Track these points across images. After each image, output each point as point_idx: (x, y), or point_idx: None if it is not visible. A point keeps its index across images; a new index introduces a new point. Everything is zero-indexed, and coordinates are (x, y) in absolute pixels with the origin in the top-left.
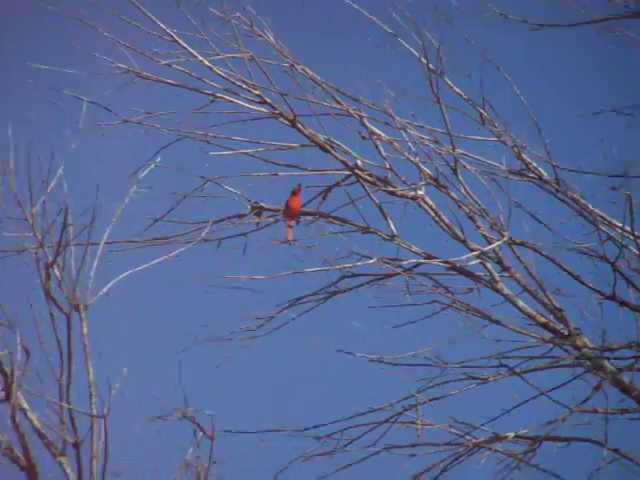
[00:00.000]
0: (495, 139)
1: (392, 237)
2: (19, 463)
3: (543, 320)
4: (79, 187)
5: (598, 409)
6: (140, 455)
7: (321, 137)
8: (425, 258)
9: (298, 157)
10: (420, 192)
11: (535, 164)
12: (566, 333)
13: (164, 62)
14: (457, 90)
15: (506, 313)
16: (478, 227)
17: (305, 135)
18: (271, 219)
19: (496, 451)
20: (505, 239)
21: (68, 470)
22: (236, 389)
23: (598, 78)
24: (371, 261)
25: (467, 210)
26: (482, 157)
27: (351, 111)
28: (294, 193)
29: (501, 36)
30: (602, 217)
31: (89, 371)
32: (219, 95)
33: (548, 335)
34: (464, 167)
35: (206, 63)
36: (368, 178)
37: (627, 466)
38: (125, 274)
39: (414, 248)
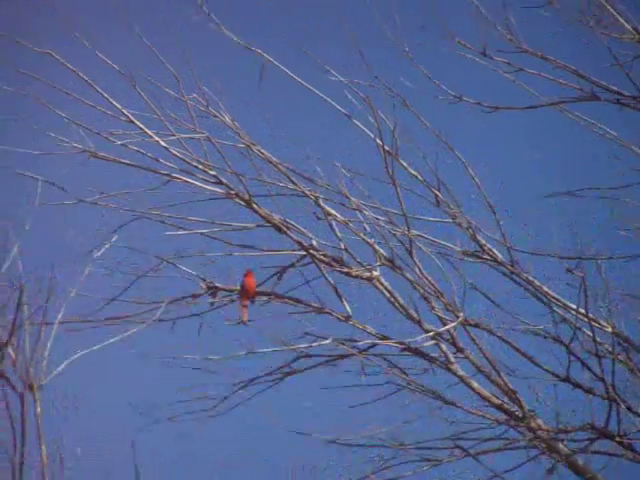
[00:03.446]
0: (450, 221)
1: (347, 318)
2: None
3: (497, 402)
4: (34, 266)
5: None
6: None
7: (276, 217)
8: (380, 339)
9: (254, 237)
10: (375, 273)
11: (490, 246)
12: (520, 415)
13: (120, 142)
14: (412, 171)
15: (461, 394)
16: (433, 308)
17: (261, 215)
18: (226, 299)
19: None
20: (460, 320)
21: None
22: (191, 469)
23: (553, 160)
24: (326, 342)
25: (422, 291)
26: (437, 238)
27: (306, 192)
28: (248, 273)
29: (456, 118)
30: (556, 299)
31: (42, 451)
32: (175, 175)
33: (502, 417)
34: (419, 248)
35: (162, 143)
36: (323, 258)
37: None
38: (80, 354)
39: (369, 329)
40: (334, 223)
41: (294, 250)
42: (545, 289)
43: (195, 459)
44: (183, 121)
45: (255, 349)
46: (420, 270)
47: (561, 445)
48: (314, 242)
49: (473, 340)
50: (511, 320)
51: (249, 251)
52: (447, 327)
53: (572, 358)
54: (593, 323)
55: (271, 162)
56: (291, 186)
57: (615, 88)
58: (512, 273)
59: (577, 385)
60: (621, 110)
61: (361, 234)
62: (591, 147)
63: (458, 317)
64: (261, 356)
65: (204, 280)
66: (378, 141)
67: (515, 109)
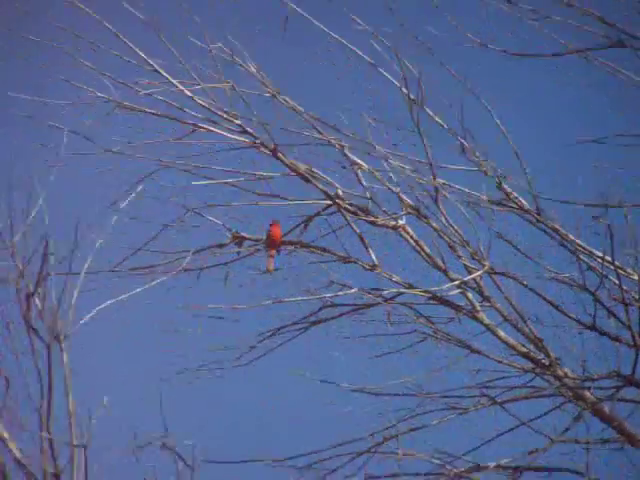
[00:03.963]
0: (476, 169)
1: (373, 267)
2: None
3: (524, 350)
4: (60, 217)
5: (579, 439)
6: None
7: (302, 167)
8: (406, 288)
9: (279, 187)
10: (401, 222)
11: (516, 194)
12: (547, 363)
13: (145, 92)
14: (438, 120)
15: (487, 343)
16: (459, 257)
17: (286, 165)
18: (252, 249)
19: None
20: (486, 269)
21: None
22: (217, 419)
23: (579, 108)
24: (352, 291)
25: (448, 240)
26: (463, 187)
27: (332, 141)
28: (274, 223)
29: (481, 65)
30: (582, 247)
31: (69, 401)
32: (200, 125)
33: (529, 365)
34: (445, 197)
35: (187, 93)
36: (349, 208)
37: None
38: (106, 304)
39: (395, 278)
40: (359, 172)
41: (319, 199)
42: (571, 237)
43: (221, 410)
44: (208, 70)
45: (281, 298)
46: (446, 219)
47: (587, 393)
48: (339, 191)
49: (499, 288)
50: (537, 268)
51: (275, 200)
52: (473, 276)
53: (598, 306)
54: (619, 271)
55: (296, 111)
56: (316, 135)
57: None
58: (538, 221)
59: (603, 333)
60: None
61: (387, 183)
62: (617, 94)
63: (484, 266)
64: (287, 305)
65: (230, 230)
66: (404, 90)
67: (541, 57)
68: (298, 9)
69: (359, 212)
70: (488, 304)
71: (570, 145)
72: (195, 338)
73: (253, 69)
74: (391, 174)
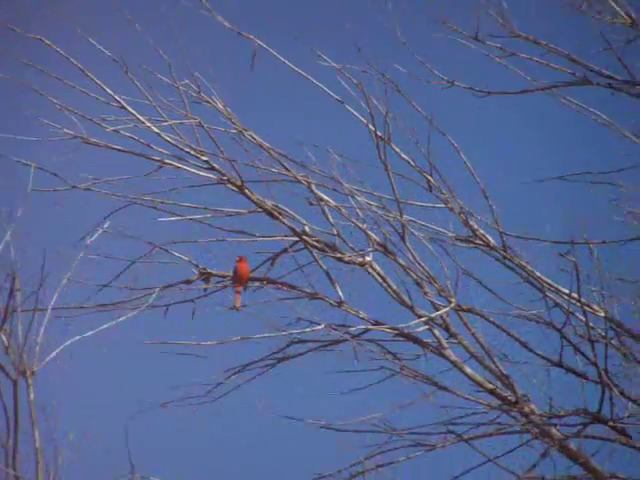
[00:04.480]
0: (442, 206)
1: (340, 303)
2: None
3: (491, 387)
4: (26, 253)
5: (546, 476)
6: None
7: (269, 203)
8: (373, 324)
9: (246, 223)
10: (368, 258)
11: (482, 231)
12: (513, 400)
13: (112, 128)
14: (404, 157)
15: (454, 380)
16: (425, 293)
17: (253, 201)
18: (219, 285)
19: None
20: (452, 305)
21: None
22: (183, 455)
23: (545, 145)
24: (319, 327)
25: (415, 276)
26: (430, 223)
27: (299, 177)
28: (241, 260)
29: (448, 103)
30: (549, 284)
31: (36, 437)
32: (167, 161)
33: (496, 402)
34: (412, 233)
35: (154, 129)
36: (316, 244)
37: None
38: (73, 340)
39: (362, 314)
40: (326, 209)
41: (287, 236)
42: (538, 274)
43: (188, 445)
44: (175, 107)
45: (248, 335)
46: (413, 255)
47: (554, 430)
48: (307, 228)
49: (466, 325)
50: (504, 305)
51: (242, 237)
52: (440, 312)
53: (565, 343)
54: (586, 308)
55: (263, 148)
56: (284, 172)
57: (607, 72)
58: (505, 258)
59: (570, 370)
60: (613, 94)
61: (353, 219)
62: (583, 132)
63: (451, 302)
64: (254, 342)
65: (197, 266)
66: (370, 126)
67: (507, 94)
68: (265, 46)
69: (326, 249)
70: (455, 341)
71: (536, 182)
72: (162, 374)
73: (220, 106)
74: (358, 211)
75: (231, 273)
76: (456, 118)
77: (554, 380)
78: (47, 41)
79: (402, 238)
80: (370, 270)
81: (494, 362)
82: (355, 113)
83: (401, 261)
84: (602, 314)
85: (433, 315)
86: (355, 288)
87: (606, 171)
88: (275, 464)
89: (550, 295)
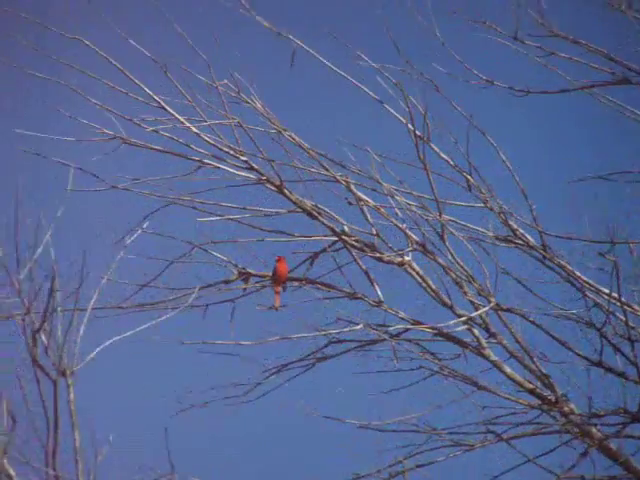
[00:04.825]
0: (482, 205)
1: (379, 303)
2: None
3: (530, 386)
4: (66, 253)
5: (586, 476)
6: None
7: (308, 203)
8: (412, 324)
9: (285, 223)
10: (407, 258)
11: (522, 230)
12: (553, 399)
13: (151, 128)
14: (444, 156)
15: (493, 379)
16: (465, 293)
17: (292, 201)
18: (258, 285)
19: None
20: (492, 305)
21: None
22: (223, 455)
23: (584, 144)
24: (358, 327)
25: (454, 276)
26: (469, 223)
27: (338, 177)
28: (280, 260)
29: (487, 102)
30: (589, 283)
31: (75, 437)
32: (206, 161)
33: (535, 401)
34: (451, 233)
35: (193, 129)
36: (355, 244)
37: None
38: (112, 340)
39: (401, 314)
40: (365, 208)
41: (326, 236)
42: (577, 273)
43: (227, 445)
44: (214, 107)
45: (287, 335)
46: (452, 255)
47: (594, 429)
48: (346, 228)
49: (505, 325)
50: (543, 305)
51: (281, 237)
52: (479, 312)
53: (605, 342)
54: (626, 307)
55: (302, 147)
56: (323, 171)
57: None
58: (544, 258)
59: (610, 369)
60: None
61: (393, 219)
62: (622, 131)
63: (490, 302)
64: (293, 342)
65: (236, 266)
66: (410, 126)
67: (547, 93)
68: (304, 46)
69: (365, 248)
70: (494, 340)
71: (576, 181)
72: (201, 374)
73: (259, 105)
74: (397, 210)
75: (270, 273)
76: (495, 117)
77: (594, 380)
78: (86, 41)
79: (441, 238)
80: (409, 270)
81: (534, 362)
82: (394, 113)
83: (440, 261)
84: None
85: (473, 315)
86: (394, 288)
87: None
88: (314, 464)
89: (590, 295)
